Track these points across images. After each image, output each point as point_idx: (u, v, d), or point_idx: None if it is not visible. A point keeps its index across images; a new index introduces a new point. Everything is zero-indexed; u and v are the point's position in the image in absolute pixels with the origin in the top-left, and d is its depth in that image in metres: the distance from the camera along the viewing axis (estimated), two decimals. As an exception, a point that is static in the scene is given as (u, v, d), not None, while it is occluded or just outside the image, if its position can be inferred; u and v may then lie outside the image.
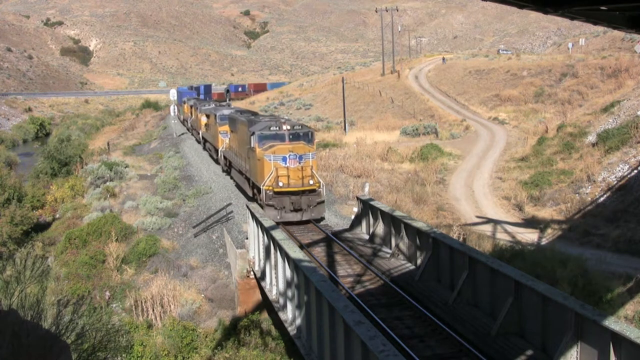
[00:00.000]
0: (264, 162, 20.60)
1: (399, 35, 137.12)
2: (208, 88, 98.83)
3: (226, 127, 30.54)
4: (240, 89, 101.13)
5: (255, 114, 28.91)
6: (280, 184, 20.24)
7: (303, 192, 20.41)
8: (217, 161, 35.00)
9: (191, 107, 51.09)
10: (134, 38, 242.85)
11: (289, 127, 21.29)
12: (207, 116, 38.63)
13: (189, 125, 53.29)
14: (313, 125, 51.30)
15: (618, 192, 24.53)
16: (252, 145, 21.70)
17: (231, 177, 29.61)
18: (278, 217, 20.01)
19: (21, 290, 10.54)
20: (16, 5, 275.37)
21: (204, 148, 42.01)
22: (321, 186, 20.96)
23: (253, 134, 21.43)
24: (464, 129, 46.96)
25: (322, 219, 21.51)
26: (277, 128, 21.27)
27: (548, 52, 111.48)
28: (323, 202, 21.15)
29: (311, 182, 20.47)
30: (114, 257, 22.15)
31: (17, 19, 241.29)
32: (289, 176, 20.35)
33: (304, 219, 20.55)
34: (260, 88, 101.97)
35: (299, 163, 20.45)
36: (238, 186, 27.93)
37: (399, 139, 44.41)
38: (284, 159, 20.40)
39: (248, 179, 23.83)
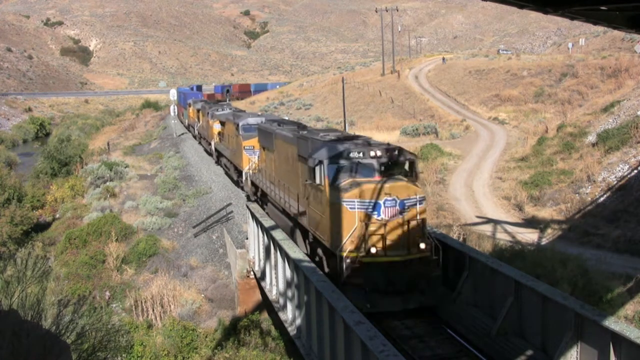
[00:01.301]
0: (343, 211, 12.65)
1: (399, 35, 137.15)
2: (199, 88, 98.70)
3: (254, 142, 23.25)
4: (226, 90, 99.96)
5: (301, 125, 20.41)
6: (373, 250, 12.37)
7: (409, 262, 12.62)
8: (237, 183, 27.66)
9: (198, 111, 43.61)
10: (134, 38, 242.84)
11: (379, 153, 13.34)
12: (222, 124, 30.97)
13: (196, 132, 45.96)
14: (313, 126, 50.93)
15: (618, 192, 24.53)
16: (318, 182, 13.63)
17: (267, 214, 19.82)
18: (367, 305, 12.29)
19: (22, 290, 10.55)
20: (16, 5, 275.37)
21: (217, 162, 34.86)
22: (435, 249, 12.88)
23: (320, 163, 13.46)
24: (464, 129, 46.95)
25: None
26: (361, 154, 13.31)
27: (548, 52, 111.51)
28: (439, 276, 13.12)
29: (422, 245, 12.62)
30: (114, 257, 22.17)
31: (17, 19, 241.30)
32: (385, 236, 12.51)
33: (410, 306, 12.72)
34: (244, 89, 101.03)
35: (401, 214, 12.60)
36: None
37: (399, 139, 44.40)
38: (377, 207, 12.50)
39: (304, 231, 15.68)
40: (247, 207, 19.92)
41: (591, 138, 32.04)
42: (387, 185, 12.68)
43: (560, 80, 57.34)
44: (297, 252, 14.08)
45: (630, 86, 42.45)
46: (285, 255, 14.31)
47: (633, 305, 14.88)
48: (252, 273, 18.61)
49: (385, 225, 12.48)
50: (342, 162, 13.31)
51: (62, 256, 23.49)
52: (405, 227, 12.62)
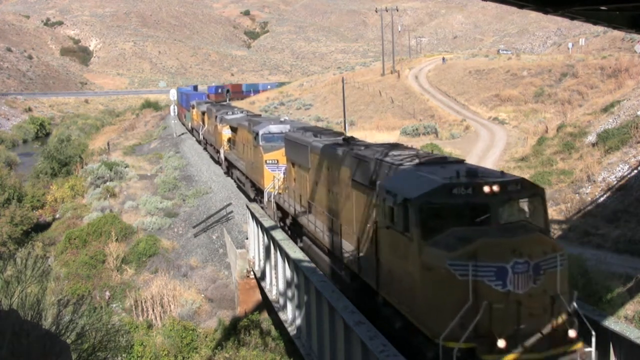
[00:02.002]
0: (449, 279, 8.39)
1: (399, 35, 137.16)
2: (195, 89, 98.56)
3: (278, 155, 19.77)
4: (219, 91, 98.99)
5: (347, 137, 15.14)
6: (500, 342, 7.99)
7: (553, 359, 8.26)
8: (255, 202, 22.62)
9: (203, 113, 40.01)
10: (134, 38, 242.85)
11: (496, 189, 8.80)
12: (234, 130, 27.65)
13: (201, 137, 41.92)
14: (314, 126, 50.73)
15: (618, 192, 24.52)
16: (401, 229, 9.30)
17: (303, 249, 15.49)
18: None
19: (21, 290, 10.55)
20: (16, 5, 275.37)
21: (227, 173, 31.21)
22: (584, 334, 8.57)
23: (406, 202, 9.08)
24: (464, 129, 46.96)
25: None
26: (470, 190, 8.82)
27: (548, 52, 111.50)
28: None
29: (571, 333, 8.33)
30: (114, 257, 22.18)
31: (17, 19, 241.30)
32: (518, 319, 8.24)
33: None
34: (235, 89, 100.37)
35: (534, 282, 8.34)
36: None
37: (399, 139, 44.38)
38: (501, 274, 8.22)
39: (368, 290, 11.23)
40: (247, 207, 19.91)
41: (591, 138, 32.04)
42: (514, 240, 8.30)
43: (560, 80, 57.35)
44: (297, 252, 14.08)
45: (630, 86, 42.44)
46: (285, 255, 14.30)
47: (633, 305, 14.88)
48: (252, 273, 18.61)
49: (517, 302, 8.10)
50: (443, 202, 8.78)
51: (62, 256, 23.49)
52: (545, 305, 8.27)
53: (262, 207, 20.37)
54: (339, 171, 12.72)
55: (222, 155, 31.44)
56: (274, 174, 19.94)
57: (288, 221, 17.85)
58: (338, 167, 12.76)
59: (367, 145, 13.48)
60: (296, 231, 17.07)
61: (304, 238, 16.21)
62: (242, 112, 32.33)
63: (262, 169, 20.66)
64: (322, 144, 14.34)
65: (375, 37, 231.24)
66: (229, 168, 30.38)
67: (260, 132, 21.27)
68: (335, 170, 13.04)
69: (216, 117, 32.66)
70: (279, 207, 18.97)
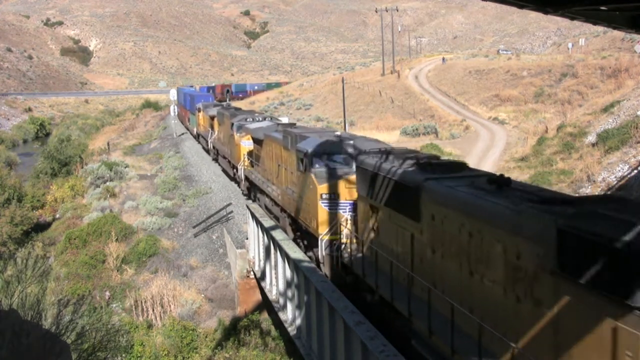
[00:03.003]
0: None
1: (399, 36, 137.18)
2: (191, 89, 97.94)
3: (339, 187, 13.58)
4: (210, 92, 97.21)
5: (496, 177, 8.36)
6: None
7: None
8: (298, 244, 15.80)
9: (213, 118, 34.11)
10: (134, 38, 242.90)
11: None
12: (258, 142, 21.81)
13: (210, 146, 36.06)
14: (314, 126, 50.79)
15: (618, 192, 24.53)
16: None
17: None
18: None
19: (22, 290, 10.56)
20: (16, 5, 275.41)
21: (250, 196, 24.70)
22: None
23: None
24: (464, 129, 46.98)
25: None
26: None
27: (548, 52, 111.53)
28: None
29: None
30: (114, 257, 22.19)
31: (17, 19, 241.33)
32: None
33: None
34: (226, 90, 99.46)
35: None
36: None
37: (399, 139, 44.41)
38: None
39: None
40: (247, 207, 19.91)
41: (591, 138, 32.05)
42: None
43: (560, 80, 57.37)
44: (297, 252, 14.07)
45: (630, 86, 42.45)
46: (285, 255, 14.30)
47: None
48: (252, 273, 18.62)
49: None
50: None
51: (62, 256, 23.50)
52: None
53: (309, 257, 14.37)
54: (504, 245, 7.23)
55: (241, 174, 25.33)
56: (334, 214, 13.57)
57: (369, 297, 11.64)
58: (500, 237, 7.33)
59: (564, 200, 7.19)
60: (392, 321, 10.47)
61: (414, 343, 9.28)
62: (264, 117, 26.74)
63: (316, 206, 13.74)
64: (451, 188, 8.66)
65: (375, 37, 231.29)
66: (252, 191, 24.05)
67: (311, 152, 14.33)
68: (488, 241, 7.56)
69: (232, 124, 26.45)
70: (347, 269, 12.79)
